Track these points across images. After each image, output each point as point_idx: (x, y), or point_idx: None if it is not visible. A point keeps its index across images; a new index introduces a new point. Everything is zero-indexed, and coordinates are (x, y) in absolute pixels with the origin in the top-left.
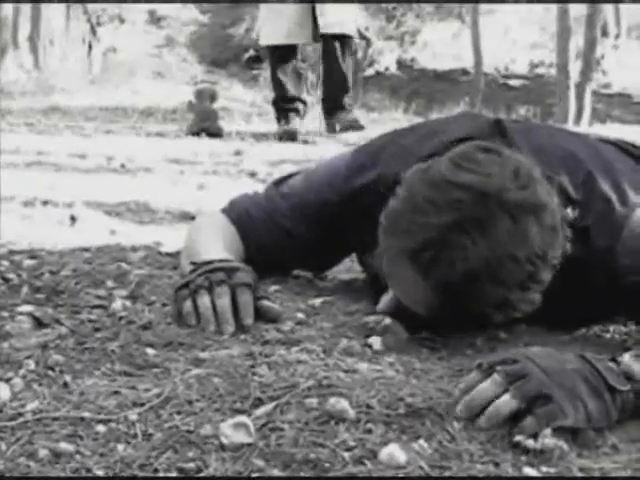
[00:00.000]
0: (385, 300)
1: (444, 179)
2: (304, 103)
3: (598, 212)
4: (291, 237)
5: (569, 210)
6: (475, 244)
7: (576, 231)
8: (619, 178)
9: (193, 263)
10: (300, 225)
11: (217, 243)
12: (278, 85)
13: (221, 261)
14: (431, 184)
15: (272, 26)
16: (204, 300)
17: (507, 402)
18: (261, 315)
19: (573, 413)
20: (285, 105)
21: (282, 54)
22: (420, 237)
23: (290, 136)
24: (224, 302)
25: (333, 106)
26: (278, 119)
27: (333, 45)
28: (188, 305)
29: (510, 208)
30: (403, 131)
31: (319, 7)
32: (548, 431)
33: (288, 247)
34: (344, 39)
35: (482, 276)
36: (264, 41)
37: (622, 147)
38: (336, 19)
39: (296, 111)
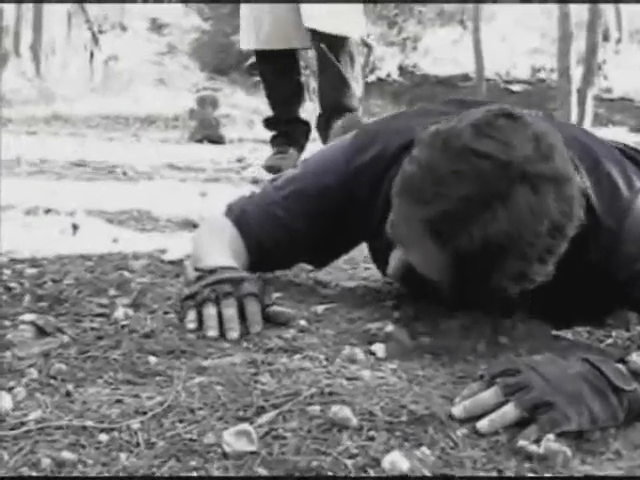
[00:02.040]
0: (395, 263)
1: (465, 147)
2: (306, 125)
3: (605, 192)
4: (288, 229)
5: (578, 179)
6: (496, 217)
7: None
8: (625, 165)
9: (196, 269)
10: (297, 216)
11: (219, 248)
12: (272, 101)
13: (224, 269)
14: (452, 152)
15: (256, 27)
16: (209, 310)
17: (510, 410)
18: (271, 321)
19: (577, 417)
20: (277, 129)
21: (275, 61)
22: (440, 207)
23: (274, 171)
24: (231, 312)
25: (329, 117)
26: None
27: (320, 46)
28: (192, 314)
29: (532, 179)
30: (401, 112)
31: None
32: (551, 436)
33: (286, 240)
34: (334, 40)
35: (501, 250)
36: (244, 45)
37: (625, 152)
38: (318, 13)
39: (289, 137)
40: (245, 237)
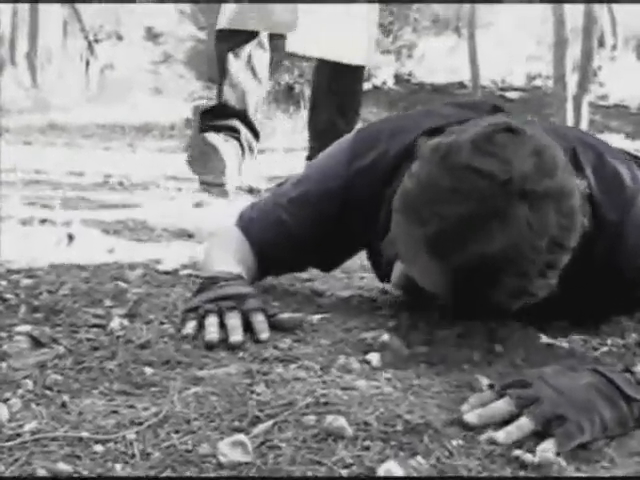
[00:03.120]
0: (397, 274)
1: (464, 165)
2: (253, 132)
3: (609, 185)
4: (293, 233)
5: (579, 182)
6: (494, 236)
7: (586, 199)
8: (630, 163)
9: (199, 277)
10: (301, 220)
11: (225, 255)
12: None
13: (228, 281)
14: (451, 170)
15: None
16: (211, 319)
17: (526, 423)
18: (280, 329)
19: (590, 427)
20: (215, 123)
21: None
22: (437, 227)
23: (212, 190)
24: (234, 322)
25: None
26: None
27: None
28: (192, 325)
29: (531, 197)
30: (401, 114)
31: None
32: (547, 445)
33: (291, 243)
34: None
35: (501, 268)
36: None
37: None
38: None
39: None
40: (251, 242)
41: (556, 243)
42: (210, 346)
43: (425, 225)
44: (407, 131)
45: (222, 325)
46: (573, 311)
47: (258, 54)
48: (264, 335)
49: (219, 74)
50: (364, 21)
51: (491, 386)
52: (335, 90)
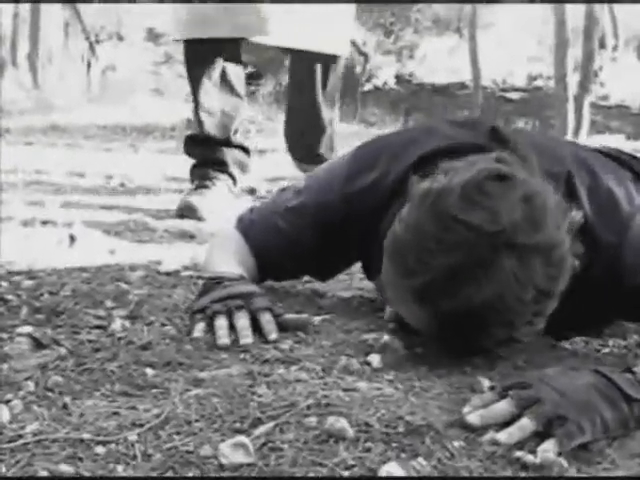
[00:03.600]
0: (390, 311)
1: (452, 216)
2: (245, 152)
3: (604, 207)
4: (289, 241)
5: (574, 213)
6: (480, 288)
7: (581, 227)
8: (625, 181)
9: (201, 278)
10: (298, 229)
11: (226, 257)
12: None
13: (233, 281)
14: (439, 219)
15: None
16: (221, 321)
17: (527, 424)
18: (287, 329)
19: (590, 427)
20: (203, 153)
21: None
22: (424, 278)
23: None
24: (243, 322)
25: (299, 151)
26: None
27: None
28: (201, 325)
29: (518, 249)
30: (401, 131)
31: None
32: (548, 446)
33: (287, 251)
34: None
35: (486, 318)
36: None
37: (620, 158)
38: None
39: (218, 165)
40: (250, 245)
41: (543, 293)
42: (223, 349)
43: (411, 276)
44: (407, 154)
45: (231, 326)
46: (570, 329)
47: (231, 67)
48: (273, 336)
49: (193, 100)
50: (339, 9)
51: (492, 387)
52: (313, 85)
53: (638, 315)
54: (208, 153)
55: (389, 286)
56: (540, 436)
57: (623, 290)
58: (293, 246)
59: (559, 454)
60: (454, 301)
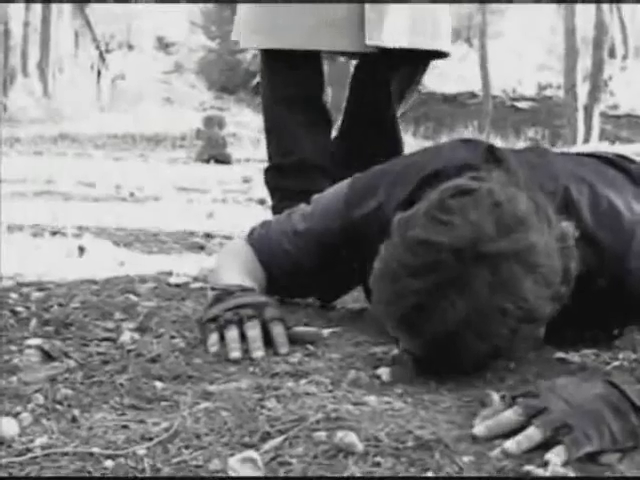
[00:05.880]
0: None
1: (418, 240)
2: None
3: (606, 218)
4: (295, 263)
5: (565, 224)
6: (453, 305)
7: (584, 237)
8: (623, 190)
9: (213, 289)
10: (303, 252)
11: (237, 267)
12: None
13: (245, 291)
14: (407, 246)
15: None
16: (232, 332)
17: (535, 432)
18: (297, 342)
19: (598, 437)
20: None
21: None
22: (400, 305)
23: None
24: (255, 333)
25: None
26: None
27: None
28: (214, 337)
29: (489, 259)
30: (400, 159)
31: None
32: (558, 460)
33: (293, 272)
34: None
35: (465, 334)
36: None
37: (618, 163)
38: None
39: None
40: (259, 260)
41: (526, 299)
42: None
43: (390, 304)
44: (407, 179)
45: (242, 335)
46: (575, 333)
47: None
48: (284, 349)
49: (272, 132)
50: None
51: (502, 397)
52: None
53: None
54: (289, 184)
55: (377, 313)
56: (548, 447)
57: (628, 296)
58: (298, 267)
59: (567, 465)
60: (431, 325)
